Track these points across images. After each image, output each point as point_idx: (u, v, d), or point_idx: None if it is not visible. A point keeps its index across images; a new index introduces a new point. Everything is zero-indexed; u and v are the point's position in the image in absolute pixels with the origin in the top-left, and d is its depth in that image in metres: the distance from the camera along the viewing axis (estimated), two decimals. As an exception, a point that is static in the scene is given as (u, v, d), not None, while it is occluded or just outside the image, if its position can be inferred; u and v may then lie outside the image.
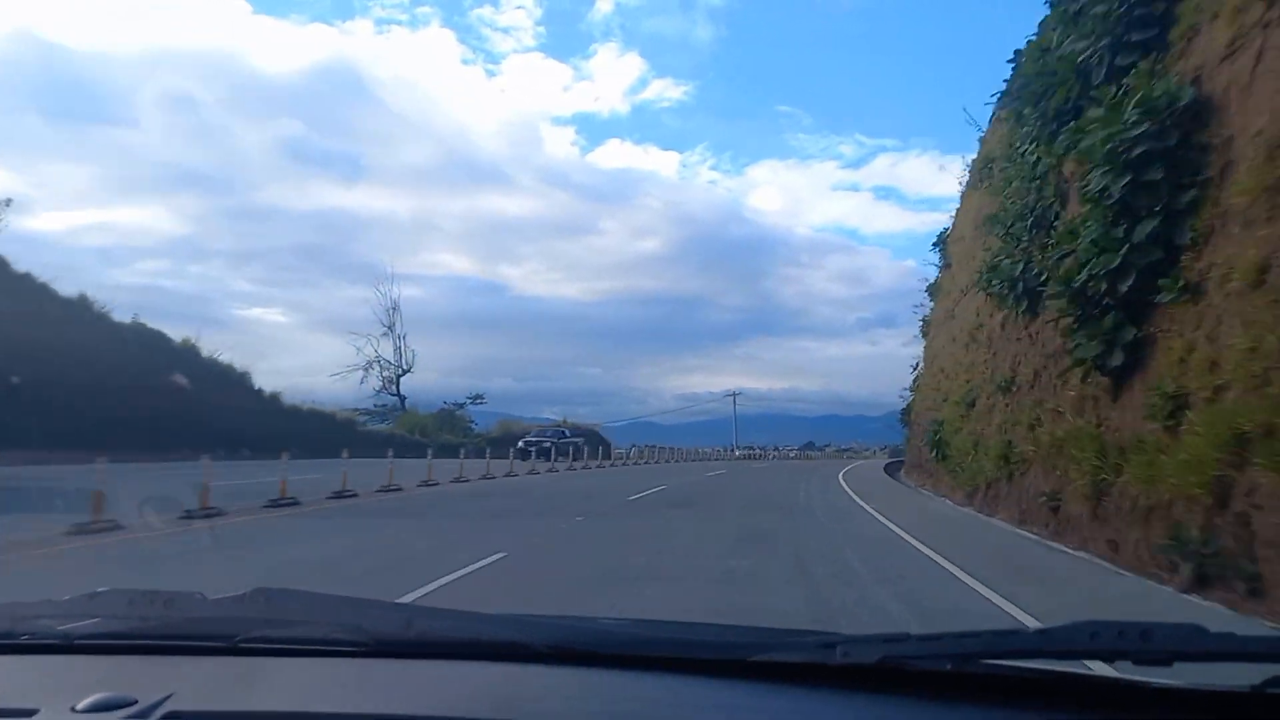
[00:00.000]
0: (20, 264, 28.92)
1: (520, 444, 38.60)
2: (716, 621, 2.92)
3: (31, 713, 1.20)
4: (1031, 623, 6.03)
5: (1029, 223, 14.07)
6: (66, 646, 1.51)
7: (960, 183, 24.49)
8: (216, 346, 37.56)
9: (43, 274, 29.64)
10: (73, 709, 1.20)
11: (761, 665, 1.39)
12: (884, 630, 1.77)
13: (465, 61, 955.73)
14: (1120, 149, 9.18)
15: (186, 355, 34.24)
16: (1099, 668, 1.57)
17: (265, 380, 40.59)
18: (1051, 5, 13.10)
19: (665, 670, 1.42)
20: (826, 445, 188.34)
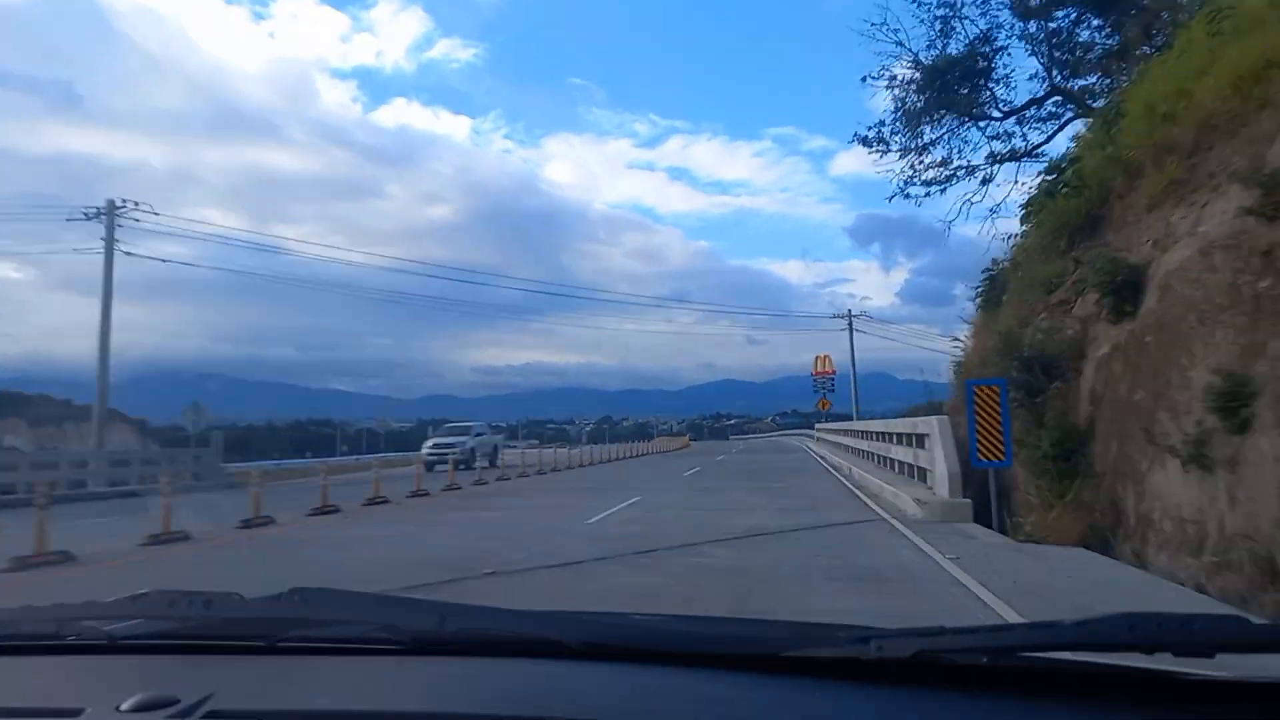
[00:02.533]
0: None
1: (426, 451, 30.40)
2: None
3: (77, 712, 1.22)
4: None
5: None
6: (110, 647, 1.54)
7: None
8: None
9: None
10: (117, 709, 1.22)
11: (795, 660, 1.38)
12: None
13: (229, 1, 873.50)
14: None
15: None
16: (1138, 660, 1.38)
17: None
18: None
19: (699, 666, 1.42)
20: (624, 420, 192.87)
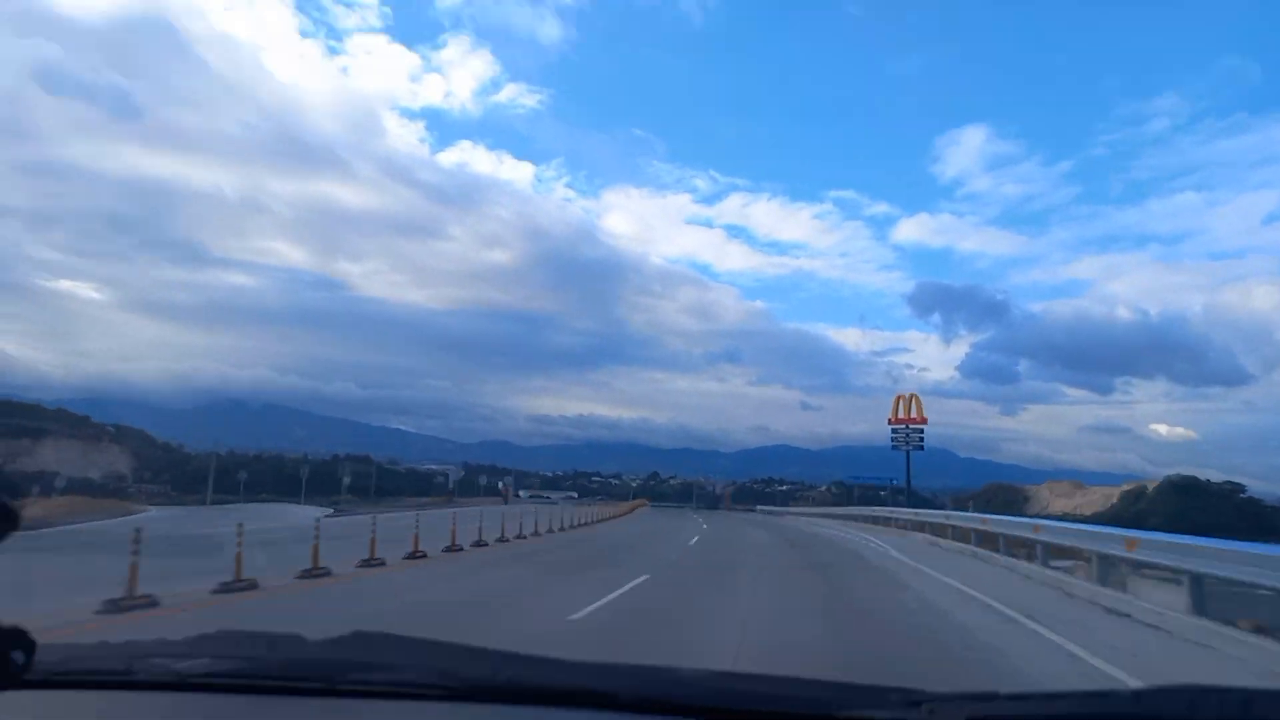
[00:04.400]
0: None
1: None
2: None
3: None
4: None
5: None
6: (179, 685, 1.58)
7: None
8: None
9: None
10: None
11: None
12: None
13: (304, 34, 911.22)
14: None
15: None
16: None
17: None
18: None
19: None
20: (672, 478, 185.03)
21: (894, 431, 37.74)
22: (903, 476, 39.88)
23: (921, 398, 37.87)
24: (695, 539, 24.60)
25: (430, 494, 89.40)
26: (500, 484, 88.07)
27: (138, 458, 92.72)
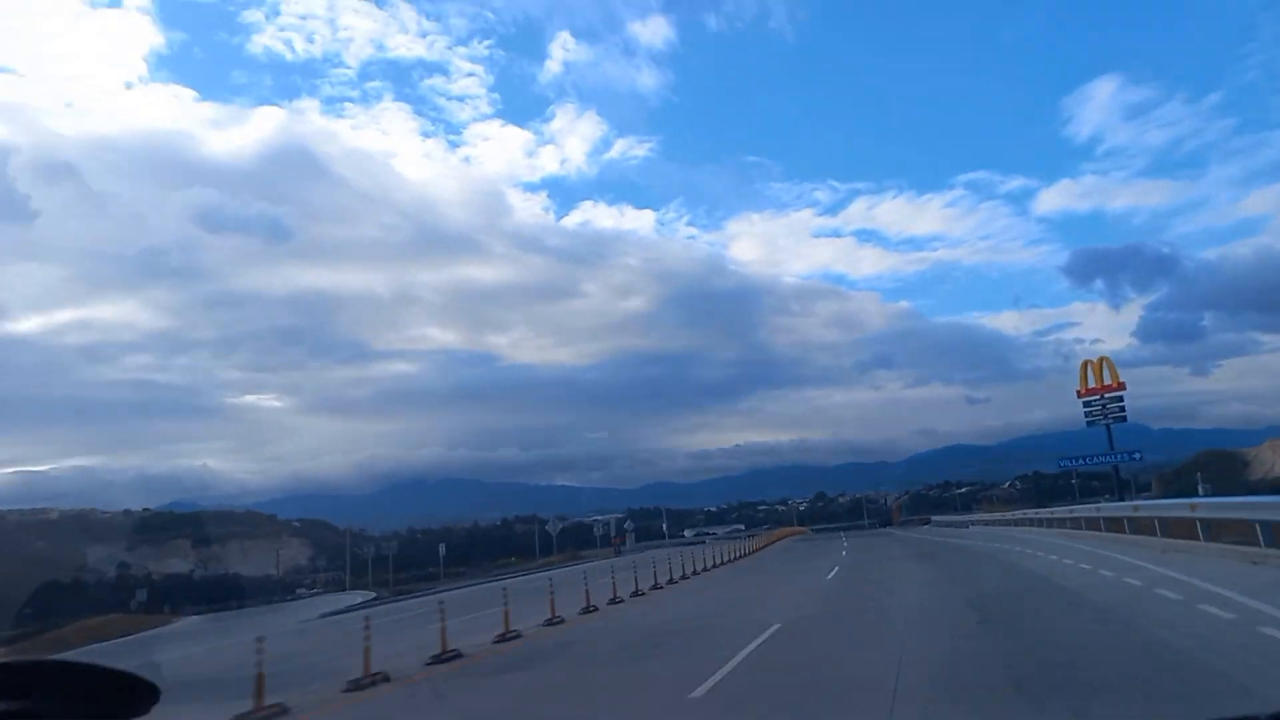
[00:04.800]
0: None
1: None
2: None
3: None
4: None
5: None
6: None
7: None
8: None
9: None
10: None
11: None
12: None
13: (425, 134, 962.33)
14: None
15: None
16: None
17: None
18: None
19: None
20: (840, 495, 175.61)
21: (1086, 405, 31.48)
22: (1095, 460, 33.63)
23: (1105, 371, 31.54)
24: (794, 606, 14.29)
25: (593, 546, 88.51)
26: (614, 535, 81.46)
27: (319, 547, 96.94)
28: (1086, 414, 31.37)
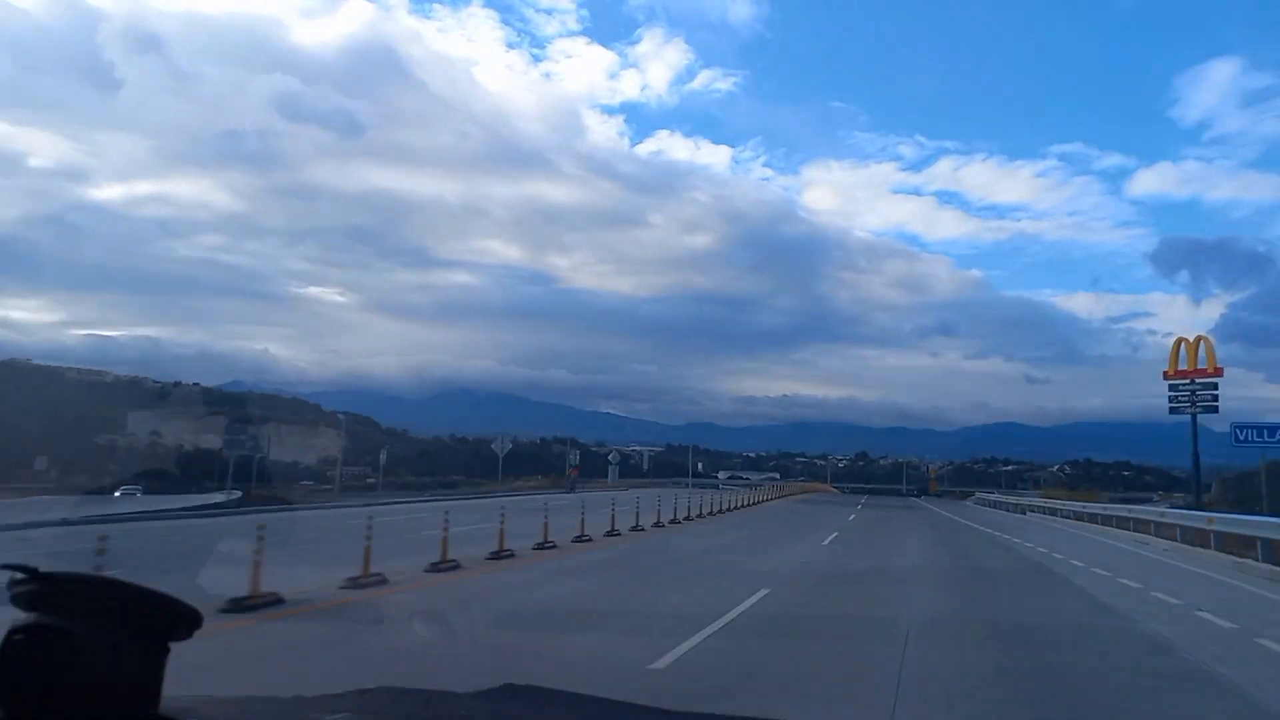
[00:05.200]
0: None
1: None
2: None
3: None
4: None
5: None
6: None
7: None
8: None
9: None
10: None
11: None
12: None
13: (510, 45, 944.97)
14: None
15: None
16: None
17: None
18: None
19: None
20: (882, 457, 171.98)
21: (1173, 390, 27.58)
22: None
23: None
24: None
25: (629, 476, 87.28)
26: (569, 464, 64.18)
27: (361, 442, 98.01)
28: (1171, 399, 27.50)
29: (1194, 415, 27.18)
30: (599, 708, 1.75)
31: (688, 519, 24.49)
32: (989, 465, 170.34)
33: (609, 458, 68.85)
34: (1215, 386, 26.90)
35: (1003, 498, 54.62)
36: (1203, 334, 27.96)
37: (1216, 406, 26.68)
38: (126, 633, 1.13)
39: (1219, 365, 26.84)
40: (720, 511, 29.68)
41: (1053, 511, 35.85)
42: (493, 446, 60.09)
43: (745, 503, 37.57)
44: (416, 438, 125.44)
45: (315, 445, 73.71)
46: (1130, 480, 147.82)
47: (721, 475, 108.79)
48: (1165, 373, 27.93)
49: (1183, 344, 27.88)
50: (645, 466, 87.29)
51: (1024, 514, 39.00)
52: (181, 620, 1.18)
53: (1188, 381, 27.29)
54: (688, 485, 58.62)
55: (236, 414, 75.83)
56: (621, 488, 52.04)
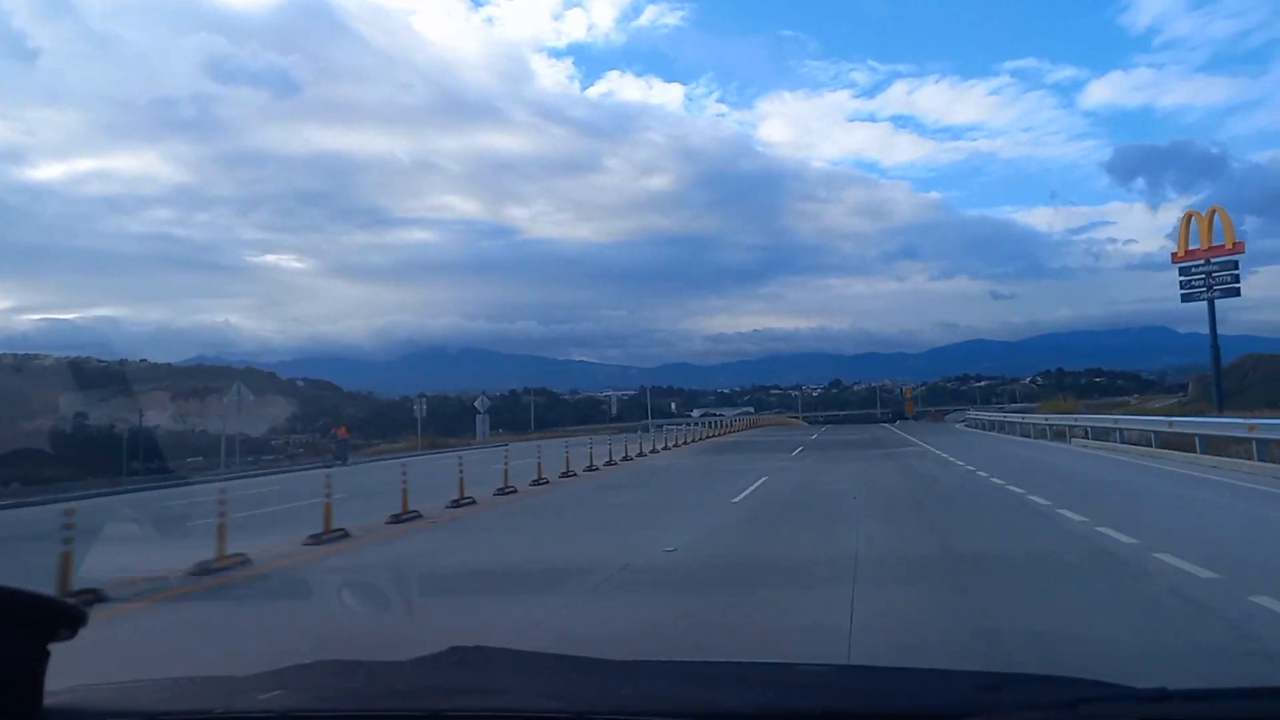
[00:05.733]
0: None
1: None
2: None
3: None
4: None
5: None
6: (280, 717, 1.47)
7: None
8: None
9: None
10: None
11: None
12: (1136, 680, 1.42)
13: None
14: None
15: None
16: None
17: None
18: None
19: None
20: (856, 384, 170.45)
21: (1185, 274, 23.22)
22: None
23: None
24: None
25: (594, 421, 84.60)
26: (479, 409, 50.08)
27: (319, 408, 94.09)
28: (1184, 285, 23.07)
29: (1211, 301, 22.57)
30: (552, 666, 1.72)
31: (577, 473, 19.26)
32: (961, 383, 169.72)
33: (475, 404, 52.24)
34: (1235, 265, 22.52)
35: (993, 413, 42.02)
36: (1216, 205, 23.70)
37: (1238, 288, 22.63)
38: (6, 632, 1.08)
39: (1238, 240, 22.33)
40: (638, 456, 26.06)
41: (1060, 433, 27.15)
42: (475, 405, 52.87)
43: (681, 442, 34.70)
44: (382, 399, 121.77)
45: (267, 415, 69.64)
46: (1104, 386, 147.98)
47: (695, 413, 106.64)
48: (1174, 255, 23.43)
49: (1193, 219, 23.30)
50: (613, 411, 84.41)
51: (1026, 435, 29.10)
52: (61, 620, 1.13)
53: (1202, 262, 22.85)
54: (646, 429, 54.22)
55: (115, 388, 71.38)
56: (490, 444, 42.29)
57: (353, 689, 1.59)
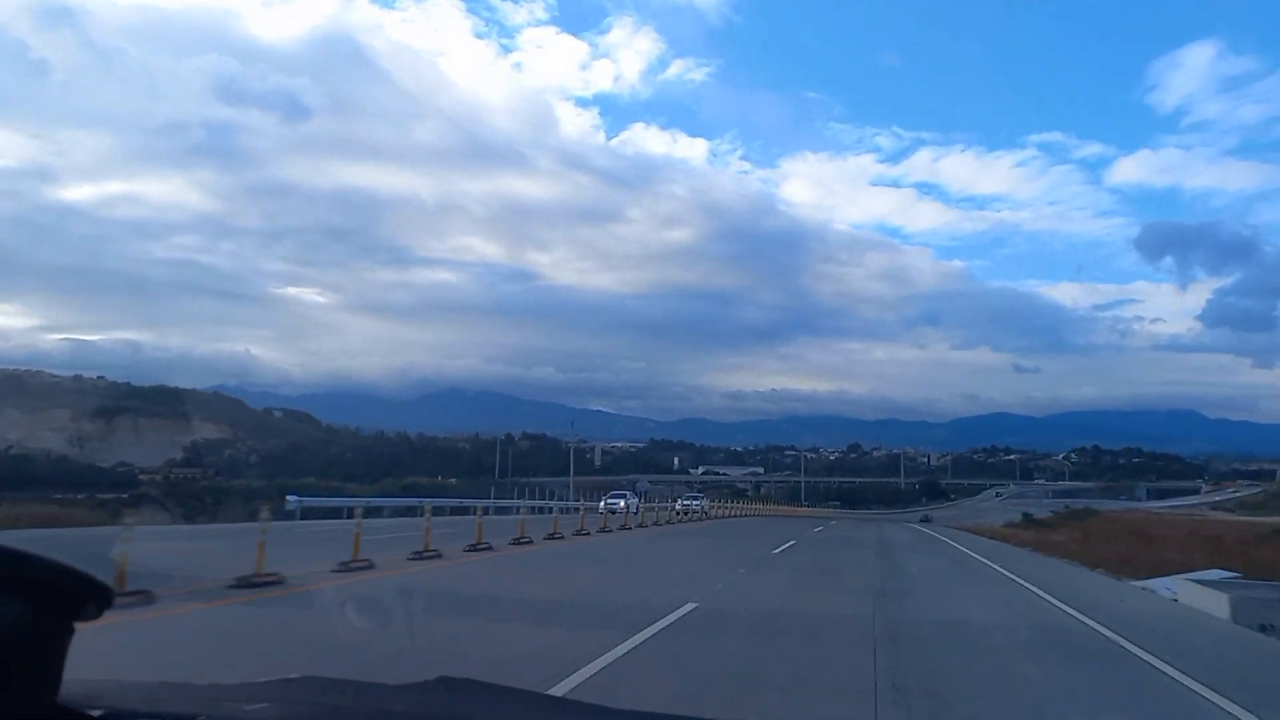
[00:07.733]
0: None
1: None
2: None
3: None
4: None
5: None
6: None
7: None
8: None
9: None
10: None
11: None
12: None
13: (478, 35, 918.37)
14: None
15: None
16: None
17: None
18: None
19: None
20: (876, 449, 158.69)
21: None
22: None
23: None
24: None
25: (583, 473, 74.40)
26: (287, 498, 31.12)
27: (292, 441, 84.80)
28: None
29: None
30: (533, 703, 1.72)
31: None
32: (990, 454, 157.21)
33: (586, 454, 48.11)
34: None
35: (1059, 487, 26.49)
36: None
37: None
38: (28, 608, 1.01)
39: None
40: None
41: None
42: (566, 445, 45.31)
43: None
44: (363, 435, 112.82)
45: (178, 441, 60.63)
46: (1142, 467, 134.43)
47: (698, 470, 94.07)
48: None
49: None
50: (597, 462, 74.09)
51: None
52: (93, 597, 1.07)
53: None
54: (634, 485, 42.39)
55: (145, 411, 63.11)
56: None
57: (338, 707, 1.58)
